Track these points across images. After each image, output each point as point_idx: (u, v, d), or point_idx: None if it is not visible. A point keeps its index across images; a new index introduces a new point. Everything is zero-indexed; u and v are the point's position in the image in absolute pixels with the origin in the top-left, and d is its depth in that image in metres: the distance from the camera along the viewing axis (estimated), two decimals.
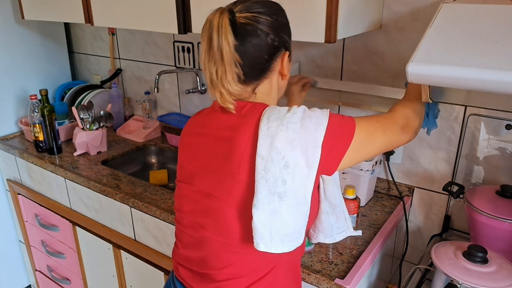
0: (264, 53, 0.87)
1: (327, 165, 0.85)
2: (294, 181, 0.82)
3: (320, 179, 0.92)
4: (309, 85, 1.39)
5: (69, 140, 2.02)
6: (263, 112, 0.86)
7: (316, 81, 1.43)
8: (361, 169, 1.36)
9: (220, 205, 0.88)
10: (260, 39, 0.86)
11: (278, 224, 0.83)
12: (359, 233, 1.08)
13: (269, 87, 0.93)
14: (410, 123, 0.99)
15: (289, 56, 0.94)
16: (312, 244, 1.19)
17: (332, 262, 1.15)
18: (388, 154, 1.45)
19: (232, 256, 0.90)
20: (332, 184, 0.94)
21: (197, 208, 0.94)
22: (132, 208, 1.55)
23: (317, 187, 0.92)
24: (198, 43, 1.86)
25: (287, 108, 0.87)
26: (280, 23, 0.89)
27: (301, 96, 1.36)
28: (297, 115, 0.84)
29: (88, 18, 1.64)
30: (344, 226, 1.03)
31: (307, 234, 1.03)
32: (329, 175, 0.89)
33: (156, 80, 1.75)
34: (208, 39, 0.85)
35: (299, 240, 0.87)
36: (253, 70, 0.88)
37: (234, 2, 0.89)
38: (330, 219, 0.98)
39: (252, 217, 0.83)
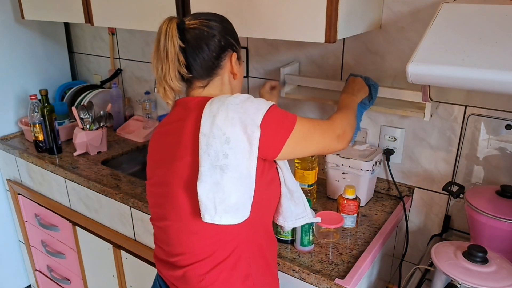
0: (212, 52, 0.97)
1: (269, 147, 0.91)
2: (237, 156, 0.88)
3: (278, 165, 1.00)
4: (279, 86, 1.46)
5: (69, 140, 2.02)
6: (209, 100, 0.94)
7: (284, 81, 1.50)
8: (361, 169, 1.36)
9: (173, 189, 0.95)
10: (207, 40, 0.96)
11: (221, 195, 0.88)
12: (318, 219, 1.13)
13: (221, 84, 1.02)
14: (346, 134, 1.07)
15: (238, 58, 1.04)
16: (312, 244, 1.19)
17: (332, 262, 1.15)
18: (388, 154, 1.45)
19: (191, 238, 0.96)
20: (286, 170, 1.02)
21: (157, 201, 1.02)
22: (132, 208, 1.55)
23: (275, 170, 1.00)
24: None
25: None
26: (225, 28, 1.00)
27: (272, 94, 1.43)
28: (238, 98, 0.92)
29: (88, 18, 1.64)
30: (304, 212, 1.09)
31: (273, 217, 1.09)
32: (272, 158, 0.95)
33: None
34: (156, 41, 0.95)
35: (244, 212, 0.91)
36: (202, 68, 0.98)
37: (184, 16, 1.01)
38: (290, 204, 1.05)
39: None
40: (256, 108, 0.90)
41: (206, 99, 0.95)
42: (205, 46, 0.96)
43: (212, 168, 0.88)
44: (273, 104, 0.93)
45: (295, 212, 1.06)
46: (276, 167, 1.01)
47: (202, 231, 0.94)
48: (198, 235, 0.95)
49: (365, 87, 1.28)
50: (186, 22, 0.96)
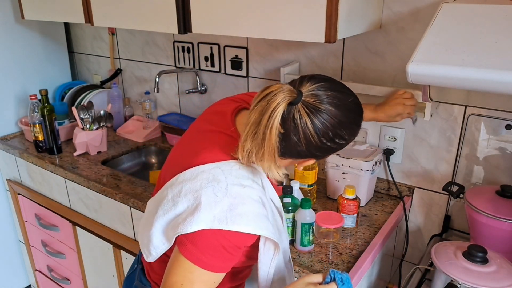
0: (299, 148, 0.81)
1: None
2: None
3: None
4: (407, 116, 1.27)
5: (69, 140, 2.02)
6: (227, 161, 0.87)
7: (416, 118, 1.36)
8: (361, 169, 1.36)
9: None
10: (303, 139, 0.79)
11: None
12: None
13: (265, 156, 0.83)
14: None
15: (316, 159, 0.88)
16: (312, 244, 1.19)
17: (332, 262, 1.15)
18: (388, 154, 1.45)
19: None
20: None
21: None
22: (132, 208, 1.55)
23: None
24: (198, 43, 1.86)
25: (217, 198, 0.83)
26: (336, 135, 0.81)
27: (388, 115, 1.26)
28: (225, 201, 0.82)
29: (88, 18, 1.64)
30: None
31: None
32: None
33: (156, 80, 1.75)
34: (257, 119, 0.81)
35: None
36: (271, 151, 0.82)
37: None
38: None
39: None
40: (203, 219, 0.81)
41: (228, 152, 0.88)
42: (297, 139, 0.79)
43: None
44: (214, 230, 0.81)
45: None
46: None
47: None
48: None
49: None
50: (296, 106, 0.78)
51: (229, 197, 0.83)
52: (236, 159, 0.86)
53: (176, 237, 0.85)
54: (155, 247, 0.91)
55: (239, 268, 1.00)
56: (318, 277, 0.85)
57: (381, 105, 1.28)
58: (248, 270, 1.09)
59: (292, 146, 0.80)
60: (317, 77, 0.83)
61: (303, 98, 0.78)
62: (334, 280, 0.83)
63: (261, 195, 0.88)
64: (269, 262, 0.93)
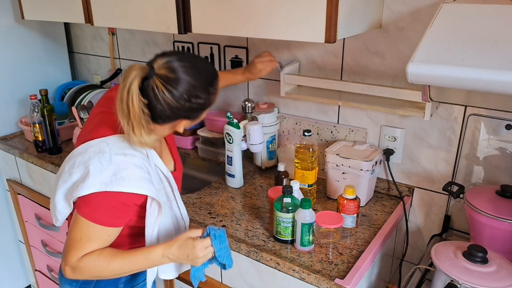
0: (165, 111, 0.98)
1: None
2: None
3: None
4: (275, 62, 1.48)
5: (69, 140, 2.02)
6: (110, 136, 1.03)
7: (282, 66, 1.51)
8: (361, 169, 1.36)
9: None
10: (164, 103, 0.96)
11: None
12: None
13: (152, 132, 1.02)
14: (75, 272, 1.02)
15: (192, 118, 1.05)
16: (312, 244, 1.19)
17: (332, 262, 1.15)
18: (388, 154, 1.45)
19: None
20: None
21: None
22: None
23: None
24: (198, 43, 1.86)
25: (103, 156, 1.00)
26: (192, 95, 0.98)
27: (253, 72, 1.47)
28: (109, 165, 0.98)
29: (88, 18, 1.64)
30: None
31: None
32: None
33: None
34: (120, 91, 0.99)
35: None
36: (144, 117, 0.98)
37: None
38: None
39: None
40: (92, 183, 0.97)
41: (109, 133, 1.04)
42: (158, 105, 0.96)
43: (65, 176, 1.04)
44: (102, 193, 0.97)
45: None
46: None
47: None
48: None
49: (195, 254, 1.03)
50: (152, 79, 0.95)
51: (113, 164, 0.98)
52: (123, 133, 1.01)
53: (74, 202, 1.02)
54: (60, 212, 1.07)
55: (136, 229, 1.14)
56: (197, 232, 1.07)
57: (247, 67, 1.49)
58: None
59: (159, 112, 0.97)
60: (168, 52, 1.00)
61: (156, 72, 0.95)
62: (209, 235, 1.04)
63: (144, 162, 1.03)
64: (153, 220, 1.08)
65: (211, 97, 1.03)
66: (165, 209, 1.12)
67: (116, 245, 1.06)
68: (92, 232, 1.00)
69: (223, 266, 1.09)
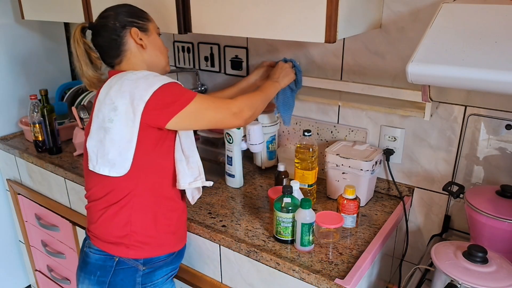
0: (110, 35, 1.17)
1: (156, 119, 1.08)
2: (121, 122, 1.07)
3: (177, 134, 1.18)
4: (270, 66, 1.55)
5: (69, 140, 2.02)
6: (115, 74, 1.13)
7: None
8: (361, 169, 1.36)
9: (85, 143, 1.17)
10: (103, 28, 1.19)
11: (102, 151, 1.10)
12: (210, 183, 1.24)
13: (131, 57, 1.18)
14: (242, 113, 1.17)
15: (144, 30, 1.19)
16: (312, 244, 1.19)
17: (332, 262, 1.15)
18: (388, 154, 1.45)
19: (94, 179, 1.17)
20: (184, 138, 1.19)
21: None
22: None
23: (173, 139, 1.17)
24: (198, 43, 1.86)
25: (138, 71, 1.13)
26: (118, 12, 1.18)
27: (258, 72, 1.54)
28: (136, 75, 1.09)
29: (88, 18, 1.64)
30: (198, 177, 1.22)
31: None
32: (161, 127, 1.10)
33: None
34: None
35: (120, 169, 1.11)
36: (109, 50, 1.19)
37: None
38: (185, 168, 1.19)
39: None
40: (148, 85, 1.06)
41: (115, 73, 1.14)
42: (103, 33, 1.18)
43: (98, 129, 1.10)
44: (171, 82, 1.09)
45: (190, 175, 1.20)
46: (175, 136, 1.17)
47: (98, 175, 1.14)
48: (100, 178, 1.15)
49: (291, 74, 1.42)
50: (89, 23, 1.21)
51: (139, 74, 1.10)
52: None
53: (154, 122, 1.08)
54: (124, 154, 1.10)
55: (167, 170, 1.20)
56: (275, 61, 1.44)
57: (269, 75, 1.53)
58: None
59: (110, 34, 1.19)
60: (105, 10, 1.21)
61: (93, 23, 1.22)
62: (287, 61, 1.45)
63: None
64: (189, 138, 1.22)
65: (133, 7, 1.21)
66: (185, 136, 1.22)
67: (152, 204, 1.17)
68: (203, 100, 1.11)
69: (298, 84, 1.47)
